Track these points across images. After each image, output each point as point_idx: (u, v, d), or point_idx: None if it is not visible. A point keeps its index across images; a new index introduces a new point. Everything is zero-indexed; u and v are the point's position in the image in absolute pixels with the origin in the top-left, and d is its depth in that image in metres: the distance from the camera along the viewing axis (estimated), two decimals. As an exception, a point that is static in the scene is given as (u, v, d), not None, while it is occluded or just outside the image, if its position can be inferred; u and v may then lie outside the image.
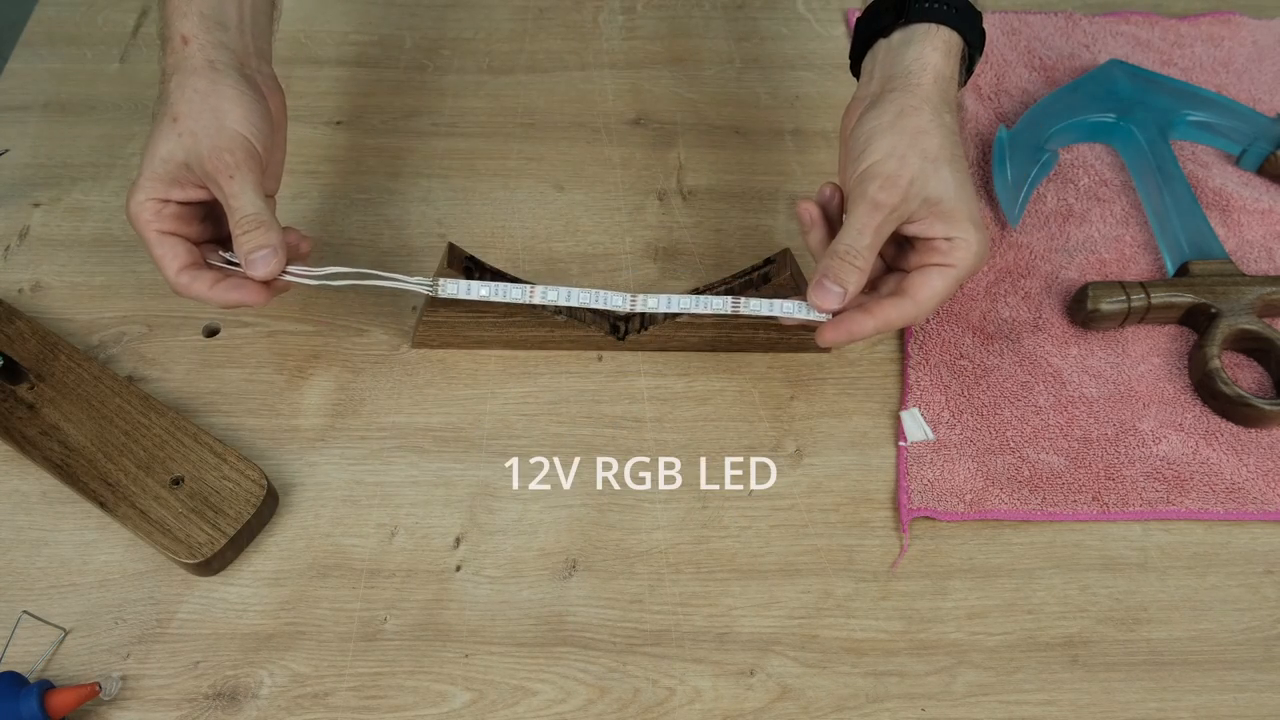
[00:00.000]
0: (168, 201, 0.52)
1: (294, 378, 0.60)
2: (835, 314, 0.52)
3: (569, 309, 0.59)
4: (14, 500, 0.55)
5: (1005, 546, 0.54)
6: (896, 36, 0.54)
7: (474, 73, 0.78)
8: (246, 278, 0.52)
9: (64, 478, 0.53)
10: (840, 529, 0.55)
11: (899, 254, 0.55)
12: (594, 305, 0.56)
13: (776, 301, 0.55)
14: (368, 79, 0.76)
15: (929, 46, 0.53)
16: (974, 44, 0.55)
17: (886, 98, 0.52)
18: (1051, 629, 0.52)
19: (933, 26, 0.53)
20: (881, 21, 0.55)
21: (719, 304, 0.56)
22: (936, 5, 0.53)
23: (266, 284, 0.53)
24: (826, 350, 0.61)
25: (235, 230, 0.51)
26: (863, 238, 0.50)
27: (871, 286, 0.54)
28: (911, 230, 0.52)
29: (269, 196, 0.55)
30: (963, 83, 0.56)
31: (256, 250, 0.51)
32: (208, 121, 0.51)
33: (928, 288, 0.51)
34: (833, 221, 0.55)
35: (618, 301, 0.56)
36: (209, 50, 0.52)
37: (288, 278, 0.53)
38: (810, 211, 0.54)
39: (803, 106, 0.76)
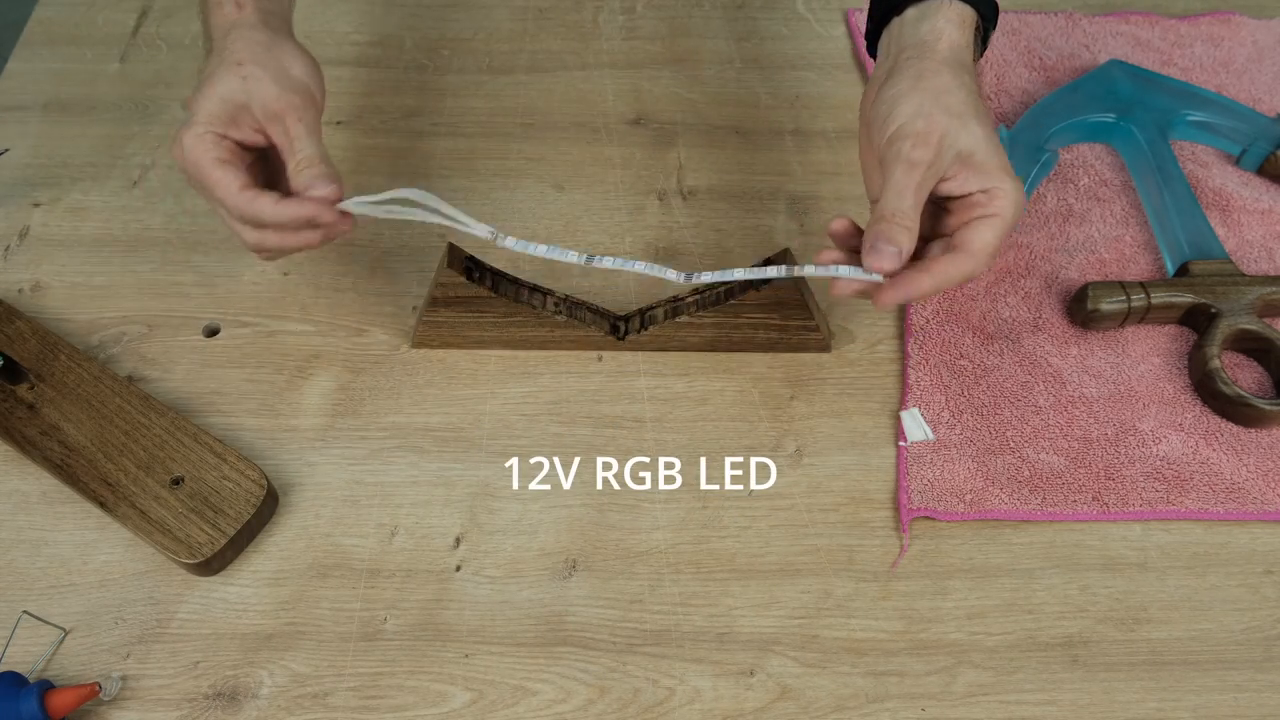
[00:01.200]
0: (224, 137, 0.51)
1: (294, 378, 0.60)
2: (890, 276, 0.51)
3: (569, 308, 0.60)
4: (14, 500, 0.55)
5: (1005, 546, 0.54)
6: (910, 13, 0.54)
7: (474, 73, 0.78)
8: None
9: (64, 478, 0.53)
10: (840, 529, 0.55)
11: (934, 221, 0.53)
12: (651, 274, 0.53)
13: (832, 266, 0.52)
14: (368, 79, 0.76)
15: (942, 19, 0.53)
16: (988, 16, 0.55)
17: (903, 65, 0.52)
18: (1051, 629, 0.52)
19: (945, 1, 0.53)
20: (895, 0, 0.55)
21: (773, 272, 0.53)
22: None
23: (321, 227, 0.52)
24: (826, 350, 0.61)
25: (294, 169, 0.51)
26: (904, 199, 0.49)
27: (915, 257, 0.52)
28: (947, 189, 0.51)
29: None
30: (978, 56, 0.56)
31: (316, 178, 0.50)
32: (274, 69, 0.51)
33: (980, 239, 0.50)
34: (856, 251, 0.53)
35: (672, 275, 0.53)
36: (264, 15, 0.54)
37: (347, 205, 0.52)
38: (833, 257, 0.52)
39: (803, 106, 0.76)
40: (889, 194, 0.50)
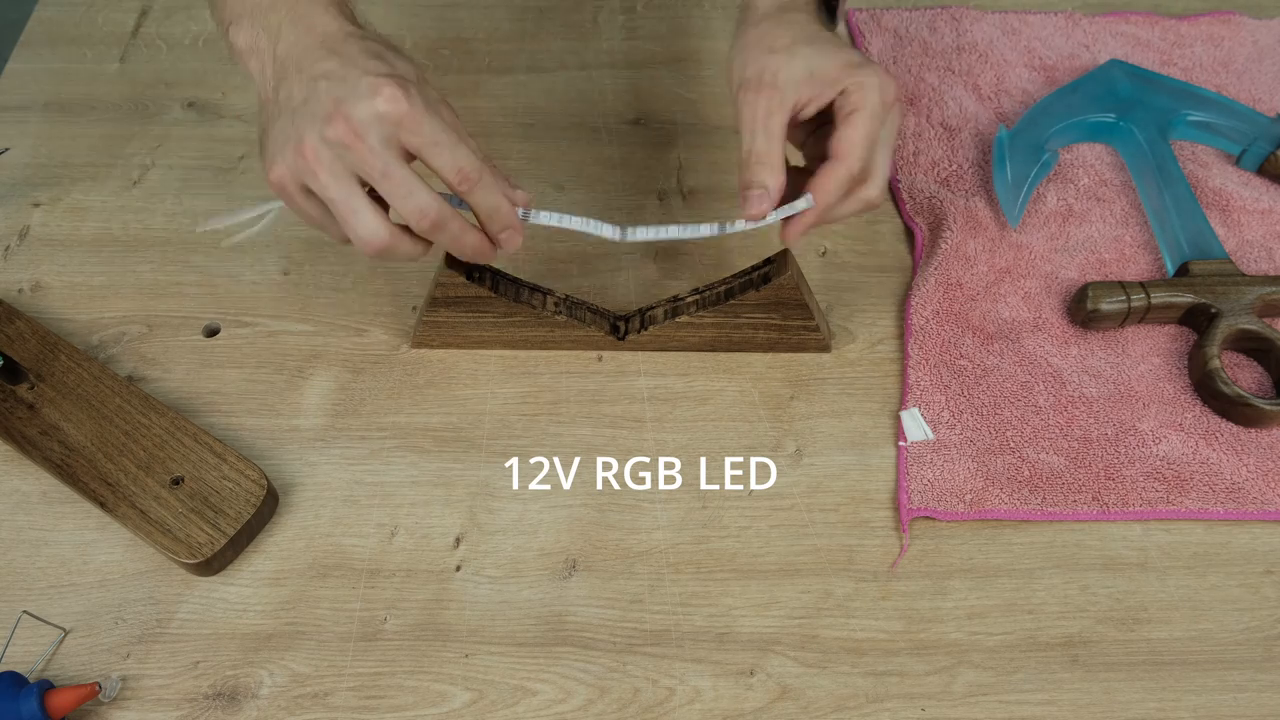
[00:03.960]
0: None
1: (294, 378, 0.60)
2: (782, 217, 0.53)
3: (569, 308, 0.60)
4: (14, 500, 0.55)
5: (1005, 546, 0.54)
6: None
7: (474, 73, 0.78)
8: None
9: (64, 478, 0.53)
10: (840, 529, 0.55)
11: (820, 143, 0.54)
12: (585, 230, 0.55)
13: (739, 222, 0.54)
14: (368, 79, 0.76)
15: None
16: None
17: (737, 32, 0.56)
18: (1051, 629, 0.52)
19: None
20: None
21: (706, 230, 0.55)
22: None
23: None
24: (826, 350, 0.61)
25: None
26: (756, 138, 0.52)
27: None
28: (810, 111, 0.53)
29: None
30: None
31: None
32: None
33: (845, 139, 0.51)
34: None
35: (608, 231, 0.55)
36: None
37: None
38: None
39: (803, 106, 0.76)
40: (743, 139, 0.52)
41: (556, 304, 0.59)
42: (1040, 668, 0.50)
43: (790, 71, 0.52)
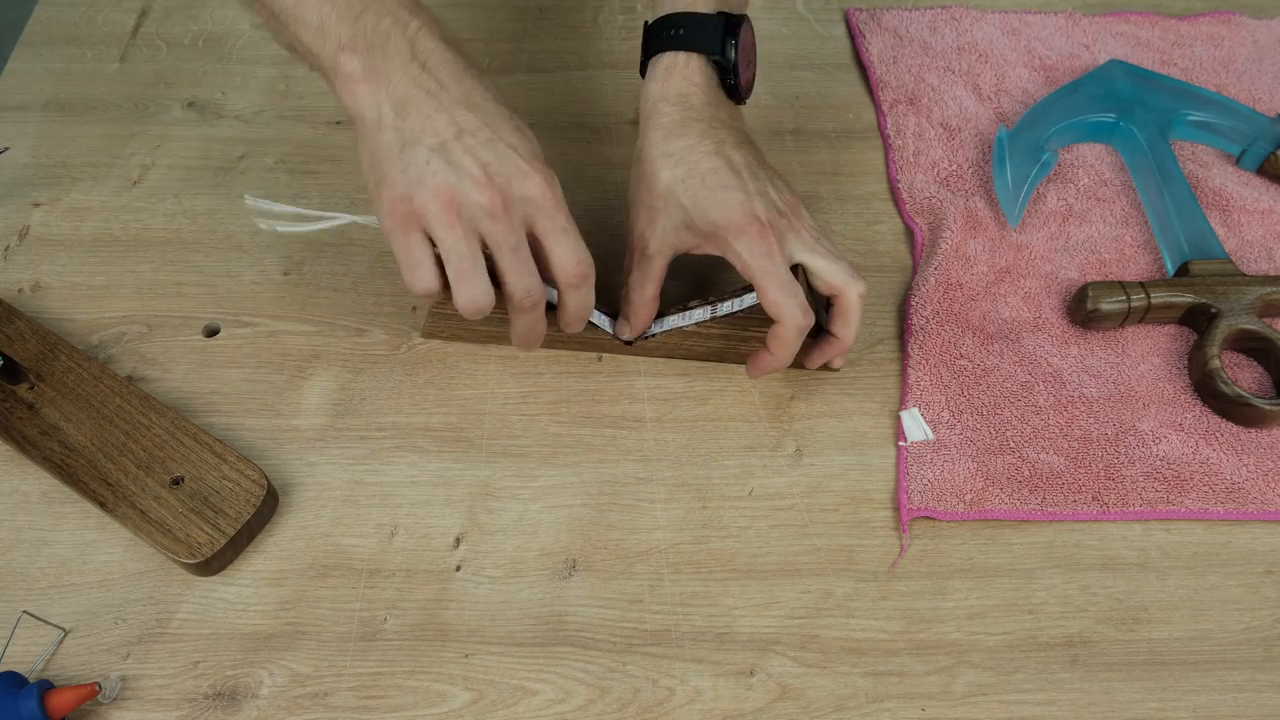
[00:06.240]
0: None
1: (294, 378, 0.60)
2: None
3: None
4: (14, 500, 0.55)
5: (1005, 546, 0.54)
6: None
7: (474, 73, 0.77)
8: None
9: (64, 478, 0.53)
10: (840, 529, 0.55)
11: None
12: (607, 329, 0.59)
13: (726, 303, 0.57)
14: (368, 79, 0.76)
15: (650, 80, 0.59)
16: (705, 42, 0.58)
17: (662, 156, 0.57)
18: (1051, 629, 0.52)
19: (655, 58, 0.59)
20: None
21: (698, 315, 0.58)
22: (664, 34, 0.58)
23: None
24: (836, 370, 0.61)
25: None
26: (639, 289, 0.57)
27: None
28: (698, 252, 0.56)
29: None
30: (729, 58, 0.58)
31: None
32: None
33: (760, 290, 0.53)
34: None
35: (626, 332, 0.60)
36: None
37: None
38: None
39: (802, 106, 0.76)
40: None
41: None
42: (1040, 668, 0.50)
43: (671, 230, 0.56)
